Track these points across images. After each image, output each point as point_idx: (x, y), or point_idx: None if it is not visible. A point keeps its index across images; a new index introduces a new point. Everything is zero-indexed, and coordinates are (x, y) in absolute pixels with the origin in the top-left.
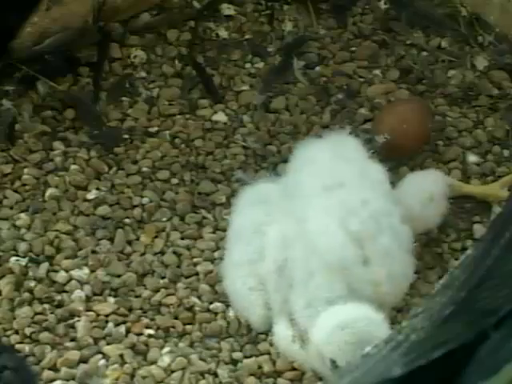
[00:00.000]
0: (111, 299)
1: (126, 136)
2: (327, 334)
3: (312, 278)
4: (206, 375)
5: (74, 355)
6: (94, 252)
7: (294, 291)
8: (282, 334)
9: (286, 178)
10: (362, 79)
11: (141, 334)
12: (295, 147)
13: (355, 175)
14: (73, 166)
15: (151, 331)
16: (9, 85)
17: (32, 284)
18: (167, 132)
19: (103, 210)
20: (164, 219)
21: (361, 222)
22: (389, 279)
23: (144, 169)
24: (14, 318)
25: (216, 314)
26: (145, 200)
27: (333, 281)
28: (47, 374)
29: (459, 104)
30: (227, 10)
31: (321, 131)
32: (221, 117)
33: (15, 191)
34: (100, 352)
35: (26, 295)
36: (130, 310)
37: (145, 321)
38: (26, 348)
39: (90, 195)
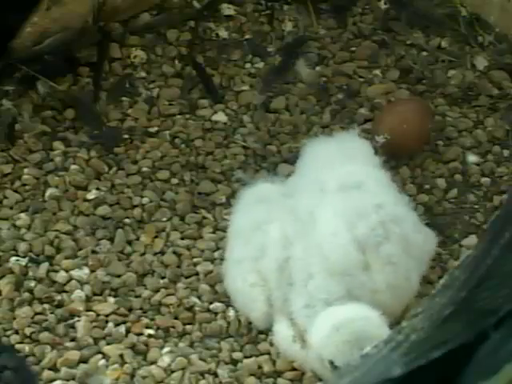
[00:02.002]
0: (111, 299)
1: (126, 136)
2: (324, 335)
3: (311, 278)
4: (206, 375)
5: (74, 355)
6: (94, 252)
7: (294, 290)
8: (283, 333)
9: (293, 177)
10: (361, 79)
11: (141, 334)
12: (304, 146)
13: (371, 178)
14: (73, 166)
15: (151, 331)
16: (9, 85)
17: (32, 284)
18: (167, 132)
19: (103, 210)
20: (164, 219)
21: (368, 228)
22: (389, 288)
23: (144, 169)
24: (14, 318)
25: (216, 314)
26: (145, 200)
27: (332, 283)
28: (47, 373)
29: (459, 104)
30: (227, 9)
31: (321, 131)
32: (221, 117)
33: (15, 191)
34: (100, 352)
35: (26, 295)
36: (130, 310)
37: (145, 321)
38: (26, 348)
39: (90, 195)
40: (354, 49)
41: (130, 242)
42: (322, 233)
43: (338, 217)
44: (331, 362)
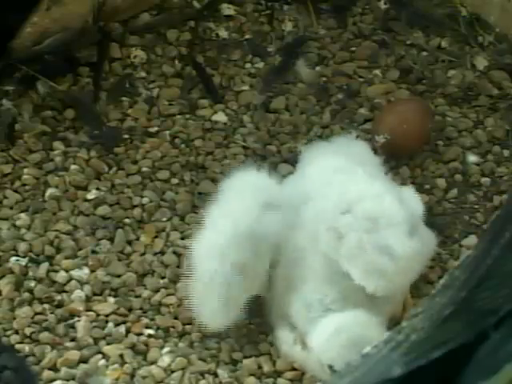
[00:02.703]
0: (111, 299)
1: (126, 136)
2: (324, 341)
3: (307, 281)
4: (206, 375)
5: (74, 355)
6: (94, 252)
7: (293, 293)
8: (284, 336)
9: (292, 177)
10: (361, 79)
11: (141, 334)
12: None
13: (340, 181)
14: (73, 166)
15: (151, 331)
16: (9, 85)
17: (32, 284)
18: (167, 132)
19: (103, 210)
20: (164, 219)
21: (336, 236)
22: (374, 274)
23: (144, 169)
24: (14, 318)
25: None
26: (145, 200)
27: (324, 287)
28: (47, 373)
29: (459, 104)
30: (227, 9)
31: (321, 131)
32: (221, 117)
33: (15, 191)
34: (100, 352)
35: (26, 295)
36: (130, 310)
37: (145, 321)
38: (26, 348)
39: (90, 195)
40: (354, 49)
41: (130, 242)
42: (303, 241)
43: (312, 225)
44: (330, 367)
